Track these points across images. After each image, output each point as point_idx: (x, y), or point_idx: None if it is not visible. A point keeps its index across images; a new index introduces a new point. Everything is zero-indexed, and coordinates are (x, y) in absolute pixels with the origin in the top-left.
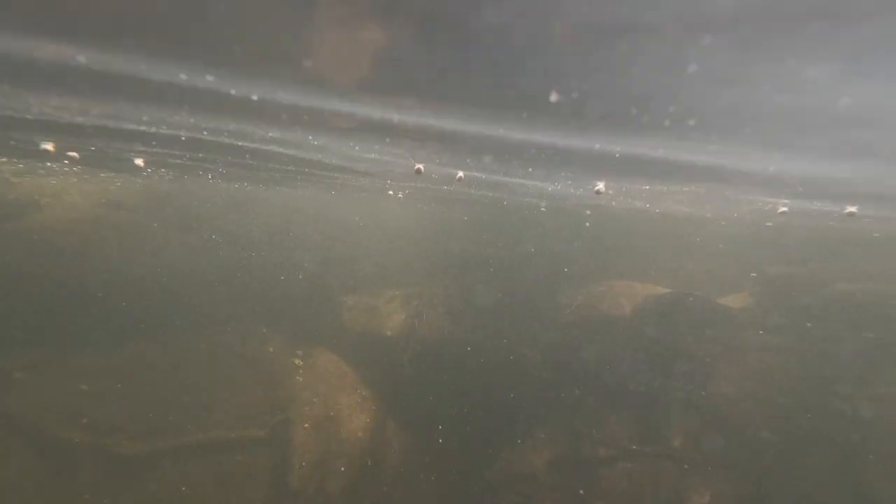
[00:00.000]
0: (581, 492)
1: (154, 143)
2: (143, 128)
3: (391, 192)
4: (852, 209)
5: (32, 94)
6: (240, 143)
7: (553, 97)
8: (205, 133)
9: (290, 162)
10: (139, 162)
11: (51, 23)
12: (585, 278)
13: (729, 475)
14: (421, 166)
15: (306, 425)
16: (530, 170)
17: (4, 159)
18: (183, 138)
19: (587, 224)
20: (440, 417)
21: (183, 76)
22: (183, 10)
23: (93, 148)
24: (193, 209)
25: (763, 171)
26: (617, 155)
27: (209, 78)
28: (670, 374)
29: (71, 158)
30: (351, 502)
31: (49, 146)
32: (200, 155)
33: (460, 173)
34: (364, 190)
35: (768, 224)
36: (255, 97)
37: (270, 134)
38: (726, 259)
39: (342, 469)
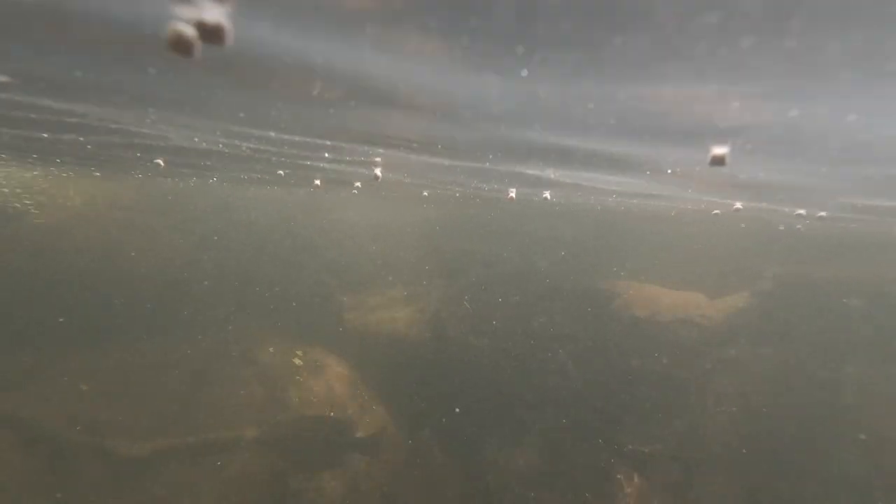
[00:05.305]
0: (581, 492)
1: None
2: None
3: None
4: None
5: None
6: (244, 145)
7: None
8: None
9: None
10: (159, 162)
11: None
12: (586, 277)
13: (730, 476)
14: (378, 171)
15: (306, 425)
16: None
17: (4, 157)
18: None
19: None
20: (441, 417)
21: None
22: None
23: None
24: (193, 209)
25: None
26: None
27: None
28: (672, 374)
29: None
30: (351, 502)
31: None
32: (206, 162)
33: (512, 193)
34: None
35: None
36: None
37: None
38: (728, 259)
39: (342, 469)
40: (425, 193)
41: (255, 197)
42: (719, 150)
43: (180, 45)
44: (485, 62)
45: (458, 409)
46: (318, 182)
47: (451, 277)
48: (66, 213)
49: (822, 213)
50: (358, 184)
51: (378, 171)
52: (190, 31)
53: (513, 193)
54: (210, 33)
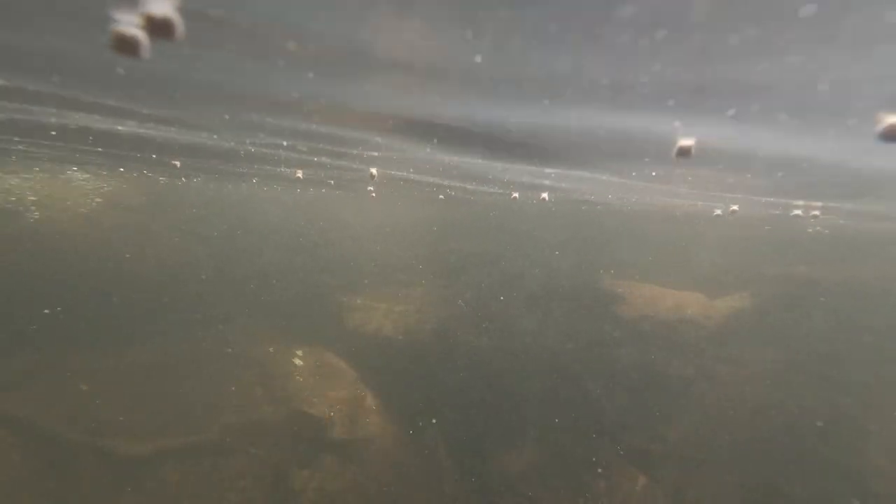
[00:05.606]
0: (582, 491)
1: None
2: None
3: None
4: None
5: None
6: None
7: None
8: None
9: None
10: (176, 163)
11: None
12: (587, 277)
13: (731, 475)
14: (374, 171)
15: (306, 425)
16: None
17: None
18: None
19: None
20: (441, 416)
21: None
22: None
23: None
24: (193, 209)
25: None
26: None
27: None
28: (672, 374)
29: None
30: (351, 501)
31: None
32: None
33: (544, 194)
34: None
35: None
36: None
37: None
38: (728, 259)
39: (342, 469)
40: (441, 197)
41: (256, 197)
42: (685, 141)
43: (125, 46)
44: None
45: (457, 409)
46: (331, 182)
47: (451, 277)
48: (67, 212)
49: (816, 212)
50: (371, 190)
51: (374, 170)
52: (133, 31)
53: (516, 195)
54: (159, 27)
